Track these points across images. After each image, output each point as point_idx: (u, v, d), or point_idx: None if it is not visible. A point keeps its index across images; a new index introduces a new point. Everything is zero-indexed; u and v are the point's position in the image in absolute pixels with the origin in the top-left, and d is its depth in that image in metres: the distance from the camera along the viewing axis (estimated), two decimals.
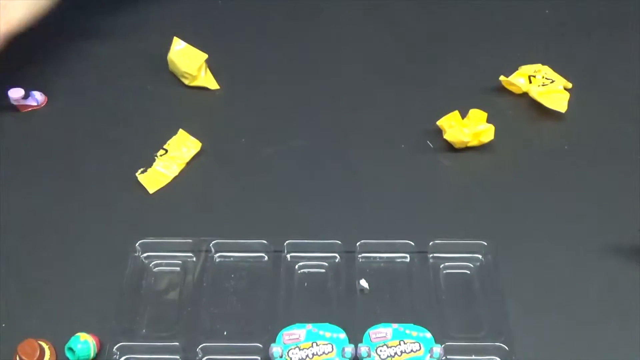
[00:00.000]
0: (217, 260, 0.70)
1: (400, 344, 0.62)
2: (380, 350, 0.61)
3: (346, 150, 0.82)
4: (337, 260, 0.70)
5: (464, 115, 0.81)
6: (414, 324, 0.63)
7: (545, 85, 0.85)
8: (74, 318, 0.65)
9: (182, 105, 0.88)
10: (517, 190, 0.77)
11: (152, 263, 0.70)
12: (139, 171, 0.78)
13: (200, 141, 0.81)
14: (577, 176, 0.79)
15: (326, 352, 0.61)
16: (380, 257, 0.70)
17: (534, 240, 0.72)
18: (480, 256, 0.70)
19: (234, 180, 0.79)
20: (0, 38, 0.78)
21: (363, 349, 0.61)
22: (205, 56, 0.88)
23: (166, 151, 0.80)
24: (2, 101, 0.86)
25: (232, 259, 0.70)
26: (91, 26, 0.98)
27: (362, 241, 0.70)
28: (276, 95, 0.89)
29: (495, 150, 0.81)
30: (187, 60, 0.88)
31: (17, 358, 0.61)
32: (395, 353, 0.61)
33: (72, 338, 0.63)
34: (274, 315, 0.65)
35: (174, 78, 0.90)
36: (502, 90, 0.88)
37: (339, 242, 0.70)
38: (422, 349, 0.61)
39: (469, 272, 0.69)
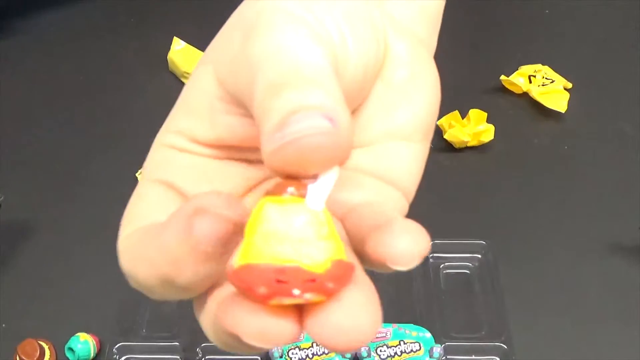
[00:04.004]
0: None
1: (400, 344, 0.62)
2: (380, 350, 0.61)
3: None
4: None
5: (464, 115, 0.81)
6: (414, 324, 0.63)
7: (545, 85, 0.85)
8: (74, 318, 0.65)
9: None
10: (517, 190, 0.77)
11: None
12: (139, 171, 0.78)
13: None
14: (577, 176, 0.79)
15: (326, 352, 0.61)
16: None
17: (534, 240, 0.72)
18: (480, 256, 0.70)
19: None
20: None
21: (363, 349, 0.61)
22: None
23: None
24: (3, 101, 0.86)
25: None
26: (91, 26, 0.98)
27: None
28: None
29: (495, 150, 0.81)
30: (187, 60, 0.88)
31: (17, 358, 0.61)
32: (395, 353, 0.61)
33: (72, 338, 0.63)
34: None
35: (174, 78, 0.90)
36: (502, 90, 0.88)
37: None
38: (422, 349, 0.61)
39: (469, 272, 0.69)
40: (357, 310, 0.21)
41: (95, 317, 0.65)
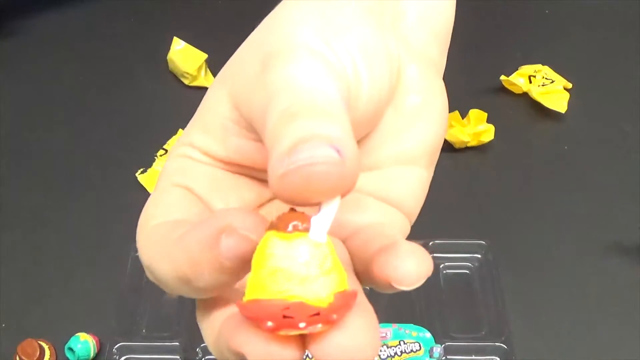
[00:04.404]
0: None
1: (400, 344, 0.62)
2: (380, 350, 0.61)
3: None
4: None
5: (464, 115, 0.81)
6: (414, 324, 0.63)
7: (545, 85, 0.85)
8: (74, 318, 0.66)
9: (182, 105, 0.88)
10: (517, 190, 0.77)
11: None
12: (139, 171, 0.78)
13: None
14: (577, 176, 0.79)
15: None
16: None
17: (534, 240, 0.72)
18: (480, 256, 0.70)
19: None
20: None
21: None
22: (205, 56, 0.88)
23: (166, 151, 0.80)
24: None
25: None
26: (91, 26, 0.98)
27: None
28: None
29: (495, 150, 0.81)
30: (187, 60, 0.88)
31: (17, 358, 0.61)
32: (395, 353, 0.61)
33: (72, 338, 0.63)
34: None
35: (174, 78, 0.90)
36: (502, 90, 0.88)
37: None
38: (422, 349, 0.61)
39: (468, 272, 0.69)
40: (358, 334, 0.22)
41: (95, 317, 0.65)
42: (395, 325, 0.63)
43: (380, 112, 0.28)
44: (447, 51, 0.32)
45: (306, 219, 0.23)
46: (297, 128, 0.22)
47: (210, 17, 1.01)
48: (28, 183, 0.78)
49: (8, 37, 0.95)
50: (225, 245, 0.23)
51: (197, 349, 0.63)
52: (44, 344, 0.62)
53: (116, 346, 0.62)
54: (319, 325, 0.22)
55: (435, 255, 0.70)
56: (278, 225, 0.22)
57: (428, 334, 0.62)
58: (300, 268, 0.22)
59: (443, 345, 0.62)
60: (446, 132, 0.31)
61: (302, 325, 0.22)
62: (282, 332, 0.22)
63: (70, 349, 0.62)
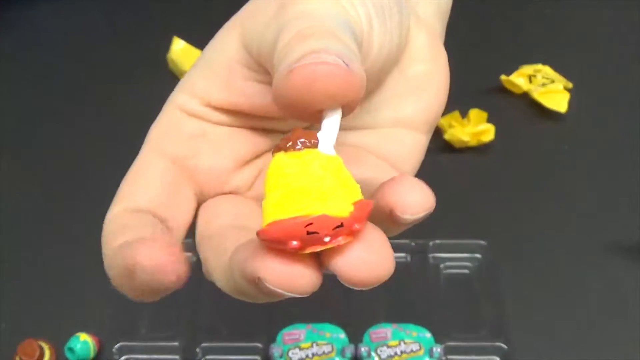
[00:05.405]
0: None
1: (400, 344, 0.62)
2: (380, 350, 0.61)
3: None
4: None
5: (464, 115, 0.81)
6: (414, 324, 0.63)
7: (545, 85, 0.85)
8: (74, 318, 0.66)
9: None
10: (517, 190, 0.77)
11: None
12: None
13: None
14: (577, 176, 0.79)
15: (326, 352, 0.61)
16: None
17: (534, 240, 0.72)
18: (480, 256, 0.70)
19: None
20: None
21: (363, 349, 0.61)
22: None
23: None
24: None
25: None
26: (90, 25, 0.98)
27: None
28: None
29: (495, 150, 0.81)
30: (187, 60, 0.88)
31: (17, 358, 0.61)
32: (395, 353, 0.61)
33: (72, 338, 0.63)
34: (274, 315, 0.65)
35: (174, 78, 0.90)
36: (502, 90, 0.88)
37: None
38: (422, 349, 0.61)
39: (468, 272, 0.69)
40: (376, 247, 0.23)
41: (95, 317, 0.65)
42: (395, 325, 0.63)
43: (386, 70, 0.29)
44: (445, 28, 0.33)
45: (313, 134, 0.23)
46: (307, 44, 0.22)
47: (210, 17, 1.00)
48: (27, 182, 0.78)
49: (7, 36, 0.95)
50: (140, 280, 0.23)
51: (197, 349, 0.63)
52: (44, 344, 0.62)
53: (116, 346, 0.63)
54: (341, 238, 0.22)
55: (435, 255, 0.70)
56: (286, 145, 0.22)
57: (428, 334, 0.62)
58: (316, 183, 0.22)
59: (443, 345, 0.62)
60: (445, 104, 0.32)
61: (327, 239, 0.22)
62: (308, 251, 0.22)
63: (70, 349, 0.62)
